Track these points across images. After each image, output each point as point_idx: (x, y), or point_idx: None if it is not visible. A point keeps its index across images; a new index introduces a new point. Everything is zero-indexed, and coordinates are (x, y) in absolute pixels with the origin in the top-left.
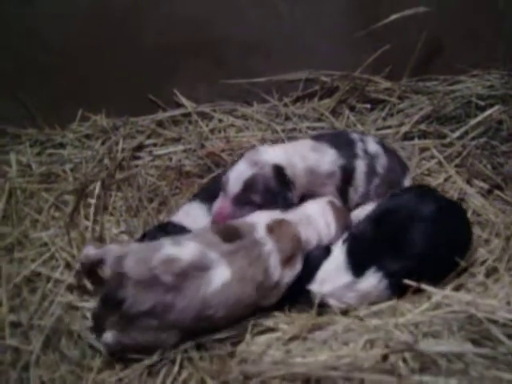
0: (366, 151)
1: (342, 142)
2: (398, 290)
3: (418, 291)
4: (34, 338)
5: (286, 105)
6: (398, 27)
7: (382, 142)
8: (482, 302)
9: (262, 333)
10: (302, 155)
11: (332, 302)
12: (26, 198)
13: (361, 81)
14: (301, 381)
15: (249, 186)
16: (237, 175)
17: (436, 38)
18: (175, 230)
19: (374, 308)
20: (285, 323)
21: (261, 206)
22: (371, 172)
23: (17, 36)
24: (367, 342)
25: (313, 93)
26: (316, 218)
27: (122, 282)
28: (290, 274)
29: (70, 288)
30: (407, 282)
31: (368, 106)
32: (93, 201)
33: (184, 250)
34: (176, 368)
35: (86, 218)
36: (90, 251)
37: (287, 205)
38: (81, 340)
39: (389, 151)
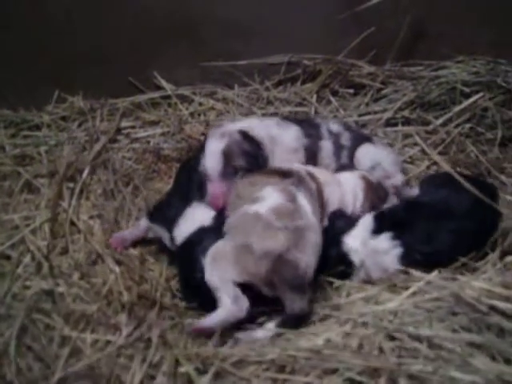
0: (330, 131)
1: (306, 124)
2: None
3: None
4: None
5: (267, 88)
6: (382, 10)
7: (342, 122)
8: (468, 288)
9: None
10: (265, 125)
11: (355, 258)
12: None
13: (344, 65)
14: (275, 368)
15: (228, 155)
16: (212, 153)
17: (421, 23)
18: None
19: (355, 296)
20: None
21: (248, 170)
22: (338, 148)
23: None
24: (343, 330)
25: (295, 77)
26: (345, 187)
27: (280, 260)
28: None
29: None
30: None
31: (351, 90)
32: (69, 184)
33: (273, 196)
34: (151, 351)
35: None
36: None
37: (264, 162)
38: (50, 326)
39: (350, 128)
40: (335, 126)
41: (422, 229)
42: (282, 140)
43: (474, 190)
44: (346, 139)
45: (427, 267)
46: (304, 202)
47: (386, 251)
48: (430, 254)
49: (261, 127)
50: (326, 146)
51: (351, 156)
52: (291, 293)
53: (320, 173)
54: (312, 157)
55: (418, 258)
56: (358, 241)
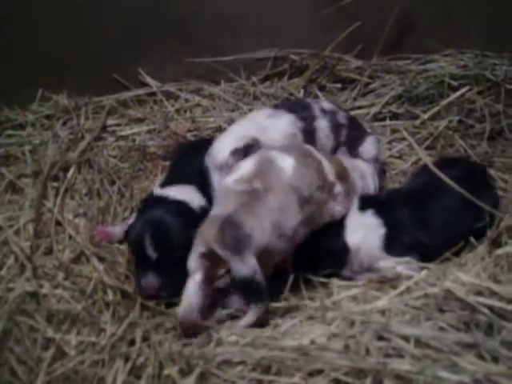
0: (323, 110)
1: (298, 107)
2: (391, 249)
3: None
4: None
5: (254, 84)
6: (368, 4)
7: (334, 103)
8: (457, 283)
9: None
10: (254, 123)
11: (350, 240)
12: None
13: (331, 59)
14: (260, 369)
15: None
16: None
17: (408, 16)
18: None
19: (342, 295)
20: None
21: None
22: (335, 125)
23: None
24: (329, 330)
25: (282, 71)
26: (367, 176)
27: (226, 221)
28: (342, 194)
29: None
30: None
31: (339, 85)
32: (54, 184)
33: (244, 166)
34: (134, 352)
35: (46, 200)
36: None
37: None
38: (34, 328)
39: (344, 109)
40: (328, 105)
41: (408, 209)
42: (274, 127)
43: (454, 185)
44: (342, 117)
45: (414, 252)
46: (284, 162)
47: (373, 228)
48: (418, 231)
49: (249, 130)
50: (322, 126)
51: (349, 137)
52: (231, 255)
53: (344, 158)
54: (310, 139)
55: (405, 239)
56: (352, 221)
